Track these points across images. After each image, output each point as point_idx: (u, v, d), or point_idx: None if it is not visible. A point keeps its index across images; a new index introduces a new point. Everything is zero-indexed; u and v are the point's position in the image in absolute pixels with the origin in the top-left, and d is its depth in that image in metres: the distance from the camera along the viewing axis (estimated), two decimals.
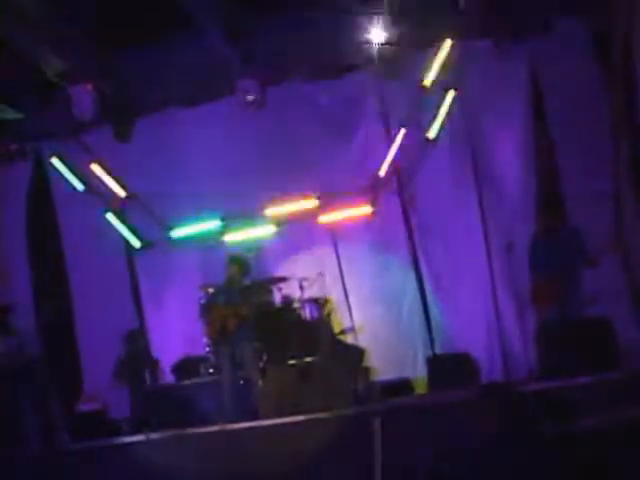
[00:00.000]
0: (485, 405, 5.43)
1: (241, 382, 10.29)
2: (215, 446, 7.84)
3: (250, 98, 12.44)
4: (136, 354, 12.23)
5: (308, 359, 10.38)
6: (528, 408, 5.40)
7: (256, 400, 9.59)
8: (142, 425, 10.29)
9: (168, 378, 12.28)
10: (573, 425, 5.39)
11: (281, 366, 10.27)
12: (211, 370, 11.40)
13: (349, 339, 11.97)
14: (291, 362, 10.31)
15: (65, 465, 8.13)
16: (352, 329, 11.99)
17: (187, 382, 11.36)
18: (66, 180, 13.61)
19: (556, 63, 11.61)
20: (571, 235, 9.84)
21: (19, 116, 13.46)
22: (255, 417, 9.07)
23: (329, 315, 11.60)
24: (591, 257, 9.57)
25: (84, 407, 11.14)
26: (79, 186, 13.54)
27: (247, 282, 10.74)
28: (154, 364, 12.26)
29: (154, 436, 8.58)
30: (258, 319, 10.57)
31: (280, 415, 8.37)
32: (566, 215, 11.15)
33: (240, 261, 10.53)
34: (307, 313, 11.52)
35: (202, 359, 11.76)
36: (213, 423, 9.18)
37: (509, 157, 11.90)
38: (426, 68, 11.96)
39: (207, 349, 11.64)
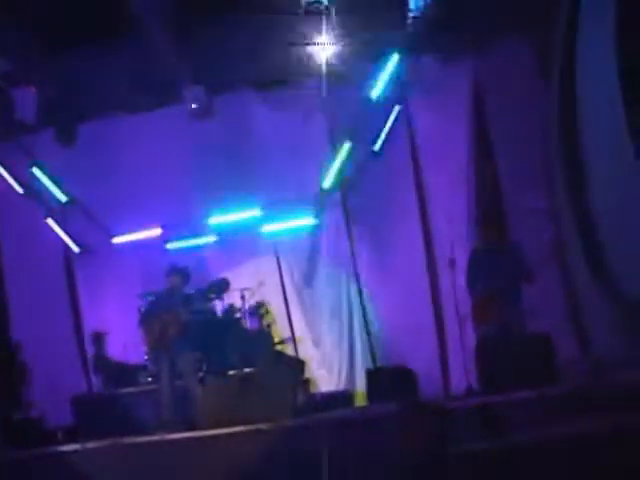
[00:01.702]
0: (410, 421, 5.43)
1: (180, 391, 10.20)
2: (152, 456, 7.74)
3: (195, 106, 12.39)
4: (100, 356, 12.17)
5: (248, 369, 10.35)
6: (457, 424, 5.41)
7: (195, 410, 9.50)
8: (78, 434, 10.16)
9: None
10: (508, 440, 5.41)
11: (220, 376, 10.22)
12: (149, 379, 11.30)
13: (289, 350, 11.97)
14: (231, 372, 10.27)
15: None
16: (292, 340, 11.98)
17: (125, 390, 11.23)
18: (5, 183, 13.39)
19: (499, 79, 11.77)
20: (511, 251, 9.90)
21: None
22: (193, 427, 8.99)
23: (269, 326, 11.59)
24: (529, 273, 9.65)
25: (19, 415, 10.91)
26: (19, 190, 13.35)
27: (189, 291, 10.67)
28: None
29: (90, 445, 8.45)
30: (198, 328, 10.50)
31: (219, 425, 8.29)
32: (507, 231, 11.28)
33: (181, 271, 10.46)
34: (248, 323, 11.48)
35: (140, 367, 11.65)
36: (151, 432, 9.08)
37: (451, 173, 11.97)
38: (372, 82, 12.02)
39: (145, 357, 11.54)
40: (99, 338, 12.08)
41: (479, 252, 10.08)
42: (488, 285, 9.69)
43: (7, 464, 8.10)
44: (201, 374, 10.56)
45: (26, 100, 12.20)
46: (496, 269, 9.65)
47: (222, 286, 11.52)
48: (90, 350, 12.35)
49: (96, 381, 12.40)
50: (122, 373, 11.73)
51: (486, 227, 10.35)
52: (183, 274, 10.43)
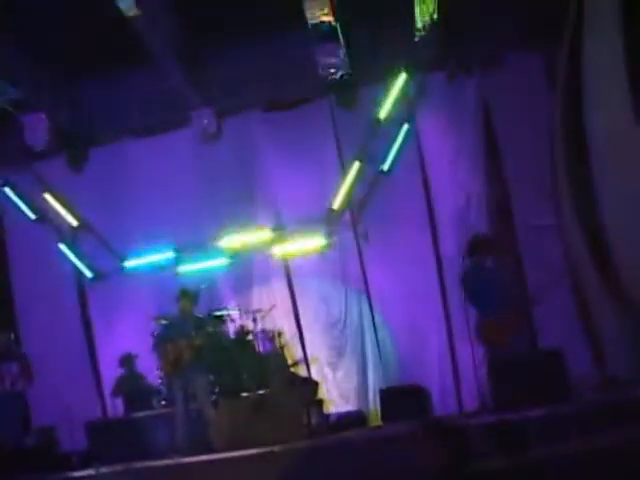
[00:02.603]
0: (424, 439, 5.41)
1: (194, 414, 10.18)
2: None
3: (205, 129, 12.46)
4: (131, 376, 12.16)
5: (261, 391, 10.33)
6: (472, 442, 5.38)
7: (209, 433, 9.49)
8: (93, 459, 10.15)
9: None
10: (523, 457, 5.39)
11: (234, 398, 10.20)
12: (163, 402, 11.28)
13: (302, 372, 11.95)
14: (244, 394, 10.25)
15: None
16: (305, 361, 11.97)
17: (139, 414, 11.22)
18: (18, 209, 13.47)
19: (508, 95, 11.79)
20: (512, 269, 9.91)
21: None
22: (208, 450, 8.98)
23: (282, 347, 11.55)
24: (531, 295, 9.65)
25: (32, 440, 10.91)
26: (31, 215, 13.42)
27: (200, 314, 10.67)
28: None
29: (104, 470, 8.45)
30: (211, 351, 10.50)
31: (233, 448, 8.29)
32: (517, 248, 11.28)
33: (189, 294, 10.46)
34: (260, 345, 11.46)
35: (154, 391, 11.64)
36: (165, 456, 9.08)
37: (462, 190, 11.97)
38: (380, 101, 12.06)
39: (159, 381, 11.54)
40: (129, 359, 12.07)
41: (485, 271, 10.02)
42: (495, 306, 9.65)
43: None
44: (214, 397, 10.56)
45: (37, 127, 12.29)
46: (502, 289, 9.60)
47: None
48: (118, 372, 12.30)
49: (115, 404, 12.34)
50: (148, 394, 11.71)
51: (491, 245, 10.28)
52: (191, 296, 10.42)
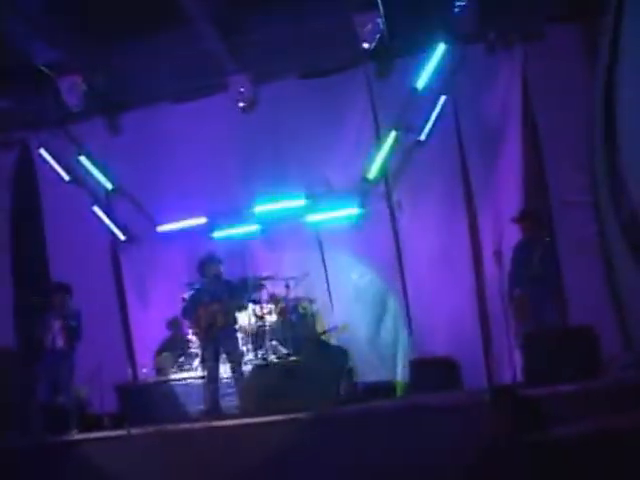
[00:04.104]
0: (495, 407, 5.44)
1: (225, 379, 10.25)
2: (197, 443, 7.80)
3: (242, 94, 12.43)
4: (177, 338, 12.28)
5: (292, 358, 10.37)
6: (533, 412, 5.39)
7: (239, 398, 9.55)
8: (123, 420, 10.25)
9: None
10: (552, 434, 5.38)
11: (265, 364, 10.26)
12: (195, 366, 11.36)
13: (332, 340, 11.98)
14: (275, 360, 10.30)
15: (41, 458, 8.05)
16: (335, 329, 12.00)
17: (170, 378, 11.31)
18: (53, 171, 13.55)
19: (547, 69, 11.63)
20: (549, 246, 9.87)
21: (7, 105, 13.43)
22: (238, 415, 9.03)
23: (313, 315, 11.58)
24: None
25: (64, 399, 11.02)
26: (66, 177, 13.50)
27: (231, 279, 10.71)
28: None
29: (136, 431, 8.53)
30: (244, 317, 10.55)
31: (263, 413, 8.34)
32: (551, 225, 11.20)
33: (217, 259, 10.48)
34: (292, 312, 11.50)
35: (185, 355, 11.72)
36: (196, 420, 9.14)
37: (499, 163, 11.91)
38: (418, 71, 11.98)
39: (190, 345, 11.62)
40: (176, 322, 12.18)
41: (522, 247, 10.03)
42: (526, 281, 9.66)
43: (52, 447, 8.20)
44: (245, 362, 10.62)
45: (73, 88, 12.29)
46: (535, 265, 9.61)
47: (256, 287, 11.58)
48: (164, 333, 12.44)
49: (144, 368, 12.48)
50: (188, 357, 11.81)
51: (530, 221, 10.26)
52: (219, 261, 10.44)
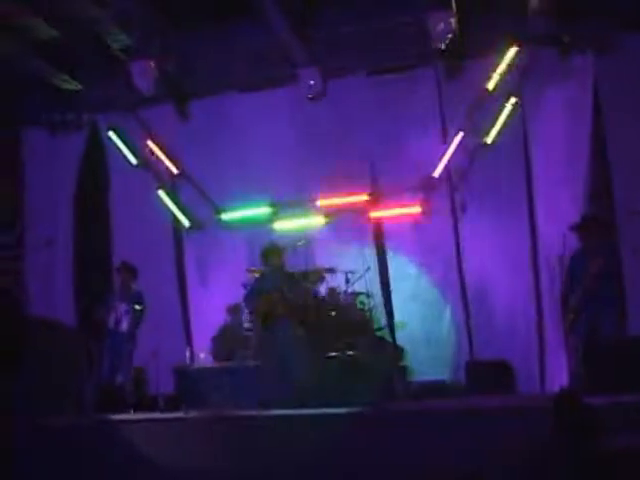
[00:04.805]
0: (561, 412, 5.43)
1: (281, 369, 10.31)
2: (253, 430, 7.86)
3: (311, 87, 12.49)
4: (234, 326, 12.41)
5: (349, 352, 10.41)
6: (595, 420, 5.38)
7: (296, 389, 9.60)
8: (179, 403, 10.40)
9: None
10: (612, 443, 5.37)
11: (322, 357, 10.31)
12: (251, 354, 11.44)
13: (388, 337, 12.00)
14: (332, 354, 10.35)
15: (97, 436, 8.16)
16: (392, 327, 12.01)
17: (226, 364, 11.42)
18: (120, 154, 13.77)
19: (618, 78, 11.51)
20: (610, 257, 9.78)
21: (79, 87, 13.66)
22: (293, 405, 9.08)
23: (371, 311, 11.60)
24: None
25: (122, 378, 11.19)
26: (133, 160, 13.71)
27: (293, 270, 10.77)
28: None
29: (193, 414, 8.65)
30: (303, 308, 10.58)
31: (319, 405, 8.39)
32: (616, 234, 11.11)
33: (278, 248, 10.53)
34: (351, 306, 11.51)
35: (244, 342, 11.81)
36: (250, 408, 9.21)
37: (565, 169, 11.80)
38: (489, 72, 11.94)
39: (249, 333, 11.71)
40: (236, 309, 12.26)
41: (575, 257, 9.92)
42: (577, 292, 9.58)
43: (109, 426, 8.32)
44: (303, 353, 10.66)
45: (145, 74, 12.44)
46: (588, 274, 9.52)
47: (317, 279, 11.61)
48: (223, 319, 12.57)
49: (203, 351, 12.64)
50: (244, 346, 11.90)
51: (586, 229, 10.08)
52: (281, 252, 10.49)
